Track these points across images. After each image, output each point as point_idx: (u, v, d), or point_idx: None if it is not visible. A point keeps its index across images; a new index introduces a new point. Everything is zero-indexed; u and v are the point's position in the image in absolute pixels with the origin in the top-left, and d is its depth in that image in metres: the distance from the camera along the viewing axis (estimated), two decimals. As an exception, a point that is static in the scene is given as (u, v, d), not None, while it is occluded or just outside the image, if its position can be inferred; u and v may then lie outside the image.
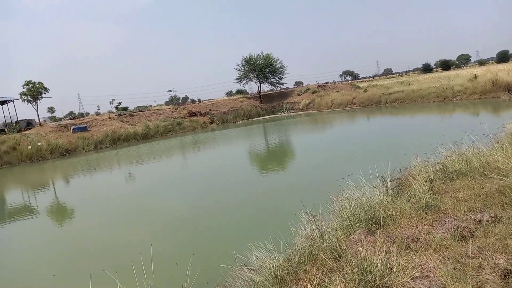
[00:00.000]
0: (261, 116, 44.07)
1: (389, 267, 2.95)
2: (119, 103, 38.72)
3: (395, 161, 7.69)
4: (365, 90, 41.28)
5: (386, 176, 5.42)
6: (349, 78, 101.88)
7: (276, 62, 49.18)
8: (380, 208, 4.35)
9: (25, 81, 32.09)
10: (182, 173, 16.37)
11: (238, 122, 41.06)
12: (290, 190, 10.09)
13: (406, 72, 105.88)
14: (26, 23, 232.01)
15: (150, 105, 52.92)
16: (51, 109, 39.54)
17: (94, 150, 29.28)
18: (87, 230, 9.08)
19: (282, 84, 51.96)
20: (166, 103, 57.90)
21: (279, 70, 49.58)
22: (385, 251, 3.19)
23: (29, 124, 32.77)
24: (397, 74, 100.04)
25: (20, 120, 33.27)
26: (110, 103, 38.30)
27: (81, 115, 48.02)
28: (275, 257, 4.24)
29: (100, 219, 9.98)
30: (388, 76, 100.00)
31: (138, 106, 51.94)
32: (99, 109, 41.73)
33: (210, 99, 57.02)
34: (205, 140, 28.24)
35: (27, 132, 30.03)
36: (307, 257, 4.04)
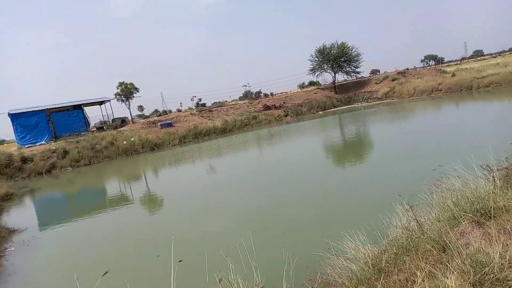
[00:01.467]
0: (336, 107, 42.99)
1: (509, 260, 2.74)
2: (200, 100, 40.97)
3: (498, 150, 6.98)
4: (453, 75, 37.64)
5: (491, 165, 4.95)
6: (432, 63, 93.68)
7: (351, 50, 47.34)
8: (489, 198, 4.02)
9: (119, 83, 35.86)
10: (261, 164, 16.81)
11: (313, 113, 40.63)
12: (376, 181, 9.76)
13: (501, 53, 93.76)
14: (114, 30, 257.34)
15: (226, 101, 55.00)
16: (140, 107, 43.40)
17: (179, 144, 31.51)
18: (179, 218, 9.87)
19: (358, 73, 49.91)
20: (240, 98, 59.59)
21: (355, 58, 47.59)
22: (502, 243, 2.96)
23: (123, 121, 36.50)
24: (490, 56, 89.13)
25: (116, 118, 37.22)
26: (191, 100, 40.78)
27: (165, 112, 51.86)
28: (369, 248, 4.21)
29: (188, 208, 10.68)
30: (478, 58, 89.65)
31: (215, 102, 54.37)
32: (181, 106, 44.68)
33: (283, 92, 57.18)
34: (280, 132, 28.53)
35: (121, 128, 33.45)
36: (406, 248, 3.92)
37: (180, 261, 3.60)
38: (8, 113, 32.38)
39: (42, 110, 32.77)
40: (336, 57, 46.50)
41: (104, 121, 39.16)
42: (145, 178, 18.99)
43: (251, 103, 43.63)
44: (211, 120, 37.21)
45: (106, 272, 3.21)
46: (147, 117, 45.94)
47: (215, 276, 3.30)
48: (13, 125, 32.09)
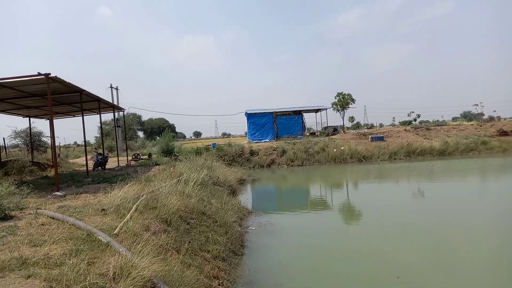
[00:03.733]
0: None
1: None
2: (418, 116, 37.77)
3: None
4: None
5: None
6: None
7: None
8: None
9: (337, 93, 37.51)
10: (488, 198, 13.91)
11: None
12: None
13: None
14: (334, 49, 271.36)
15: (443, 120, 48.68)
16: (351, 118, 43.96)
17: (388, 159, 30.07)
18: (376, 234, 9.24)
19: None
20: (453, 119, 51.29)
21: None
22: None
23: (335, 130, 37.99)
24: None
25: (329, 126, 39.13)
26: (408, 116, 38.12)
27: (366, 126, 50.62)
28: None
29: (388, 228, 10.10)
30: None
31: (432, 120, 48.98)
32: (394, 120, 42.55)
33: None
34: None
35: (333, 137, 34.82)
36: None
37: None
38: (246, 112, 39.26)
39: (270, 112, 38.08)
40: None
41: (317, 129, 41.82)
42: (347, 188, 19.06)
43: (480, 126, 36.98)
44: (428, 139, 33.72)
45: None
46: (357, 128, 46.10)
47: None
48: (247, 123, 38.71)
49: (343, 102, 37.24)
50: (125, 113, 25.27)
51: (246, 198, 16.01)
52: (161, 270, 4.75)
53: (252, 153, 30.76)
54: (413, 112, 37.82)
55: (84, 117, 15.88)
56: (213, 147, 31.18)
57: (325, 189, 19.20)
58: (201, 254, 6.89)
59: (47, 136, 24.65)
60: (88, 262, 4.42)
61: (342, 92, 37.63)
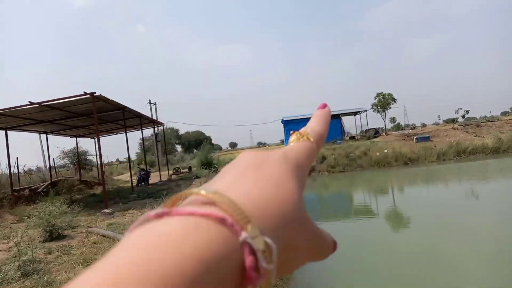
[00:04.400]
0: None
1: None
2: (467, 112, 35.45)
3: None
4: None
5: None
6: None
7: None
8: None
9: (377, 93, 36.14)
10: None
11: None
12: None
13: None
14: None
15: (491, 115, 45.50)
16: (393, 119, 42.24)
17: (437, 161, 28.29)
18: (429, 240, 8.40)
19: None
20: (503, 113, 47.73)
21: None
22: None
23: (376, 132, 36.55)
24: None
25: (370, 129, 37.74)
26: (456, 112, 35.79)
27: (407, 126, 48.35)
28: None
29: (437, 236, 9.21)
30: None
31: (482, 116, 46.01)
32: (439, 119, 40.34)
33: None
34: None
35: (375, 140, 33.48)
36: None
37: None
38: (282, 119, 38.87)
39: (307, 118, 36.77)
40: None
41: (356, 132, 40.58)
42: (393, 193, 17.98)
43: (539, 119, 34.15)
44: (479, 136, 31.50)
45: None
46: (400, 129, 44.23)
47: None
48: (284, 130, 38.28)
49: (384, 102, 35.75)
50: (164, 127, 25.73)
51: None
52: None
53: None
54: (460, 108, 35.51)
55: (125, 134, 16.21)
56: (252, 157, 30.94)
57: (369, 196, 18.24)
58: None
59: (92, 155, 25.60)
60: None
61: (382, 92, 36.17)
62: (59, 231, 6.79)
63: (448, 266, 7.03)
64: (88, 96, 10.20)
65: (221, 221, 0.22)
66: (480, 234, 8.96)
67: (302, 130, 0.42)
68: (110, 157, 79.64)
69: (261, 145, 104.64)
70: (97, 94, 10.38)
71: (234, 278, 0.22)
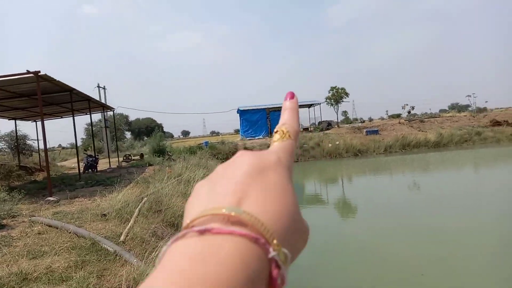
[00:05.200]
0: None
1: None
2: (412, 108, 37.71)
3: None
4: None
5: None
6: None
7: None
8: None
9: (331, 87, 37.22)
10: (479, 189, 13.73)
11: None
12: None
13: None
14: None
15: (431, 112, 48.96)
16: (344, 113, 43.83)
17: (384, 153, 29.91)
18: (374, 230, 8.91)
19: None
20: (441, 111, 51.71)
21: None
22: None
23: (329, 125, 37.71)
24: None
25: (323, 121, 38.83)
26: (402, 108, 37.99)
27: (356, 120, 50.65)
28: None
29: (383, 222, 9.71)
30: None
31: (416, 114, 49.26)
32: (387, 113, 42.54)
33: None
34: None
35: (327, 132, 34.55)
36: None
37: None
38: (238, 109, 38.69)
39: (263, 108, 37.57)
40: None
41: (310, 124, 41.53)
42: (342, 182, 18.80)
43: (474, 117, 37.28)
44: (422, 131, 33.75)
45: None
46: (349, 122, 46.04)
47: None
48: (240, 120, 38.15)
49: (337, 96, 36.94)
50: (114, 112, 24.44)
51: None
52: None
53: (246, 150, 30.24)
54: (407, 104, 37.73)
55: (72, 118, 15.14)
56: (206, 145, 30.56)
57: (320, 185, 18.87)
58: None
59: (32, 139, 23.69)
60: (97, 275, 3.90)
61: (336, 86, 37.36)
62: (-2, 220, 6.19)
63: (392, 247, 7.44)
64: (32, 75, 9.32)
65: (256, 240, 0.26)
66: (419, 218, 9.63)
67: (283, 127, 0.42)
68: (51, 143, 74.30)
69: (214, 134, 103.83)
70: (41, 73, 9.53)
71: None
